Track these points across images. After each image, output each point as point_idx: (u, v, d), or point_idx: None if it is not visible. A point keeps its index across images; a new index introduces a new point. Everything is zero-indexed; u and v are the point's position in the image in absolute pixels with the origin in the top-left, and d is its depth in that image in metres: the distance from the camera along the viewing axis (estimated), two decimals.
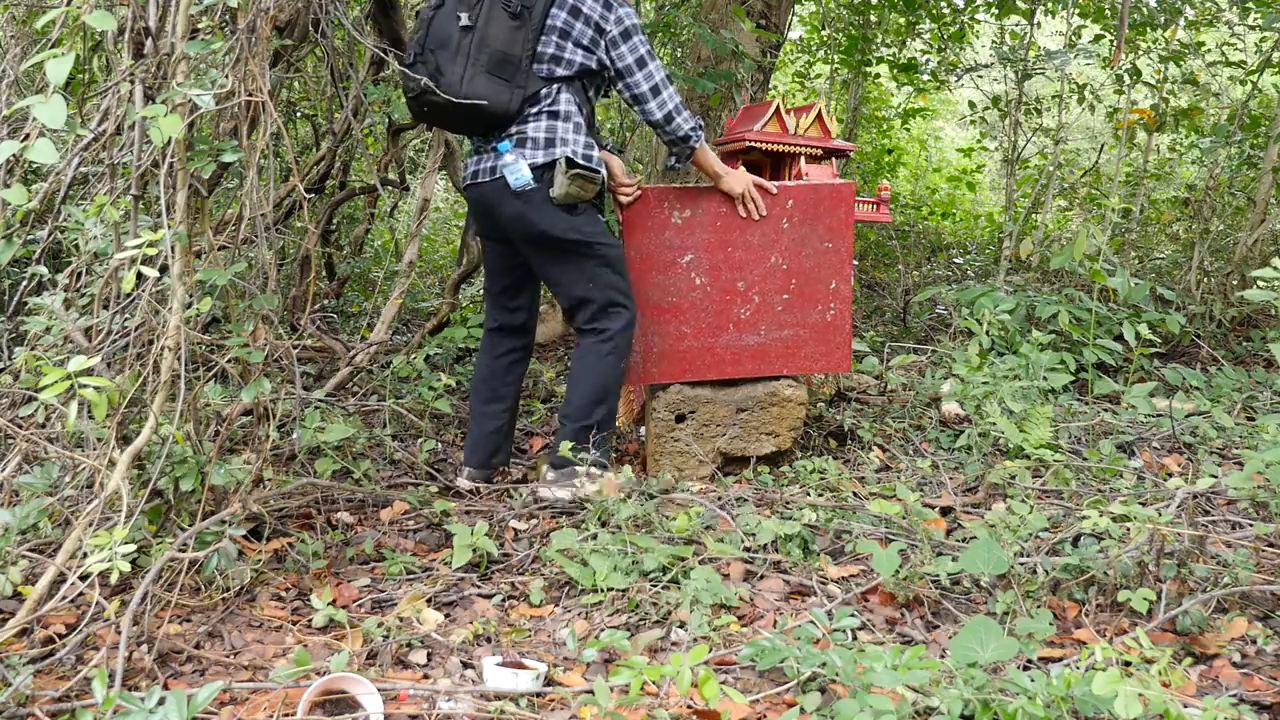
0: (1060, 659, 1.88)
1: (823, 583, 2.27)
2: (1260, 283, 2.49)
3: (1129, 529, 2.19)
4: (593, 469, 2.66)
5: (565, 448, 2.64)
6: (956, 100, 10.77)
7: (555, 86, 2.67)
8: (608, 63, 2.69)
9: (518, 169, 2.63)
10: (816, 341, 3.08)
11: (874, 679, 1.56)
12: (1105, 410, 3.72)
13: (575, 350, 2.87)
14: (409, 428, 3.38)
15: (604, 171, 2.74)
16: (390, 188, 4.58)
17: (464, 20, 2.56)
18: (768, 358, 3.06)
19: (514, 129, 2.66)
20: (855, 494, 2.85)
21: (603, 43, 2.67)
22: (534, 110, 2.66)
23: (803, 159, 3.89)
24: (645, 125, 2.90)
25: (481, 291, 3.06)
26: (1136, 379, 4.10)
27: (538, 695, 1.74)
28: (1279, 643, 1.94)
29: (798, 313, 3.07)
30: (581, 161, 2.65)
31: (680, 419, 3.05)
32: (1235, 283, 5.36)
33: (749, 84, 5.51)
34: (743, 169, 3.61)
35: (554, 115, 2.66)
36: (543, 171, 2.64)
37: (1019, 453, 3.14)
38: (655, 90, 2.70)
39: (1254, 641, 1.95)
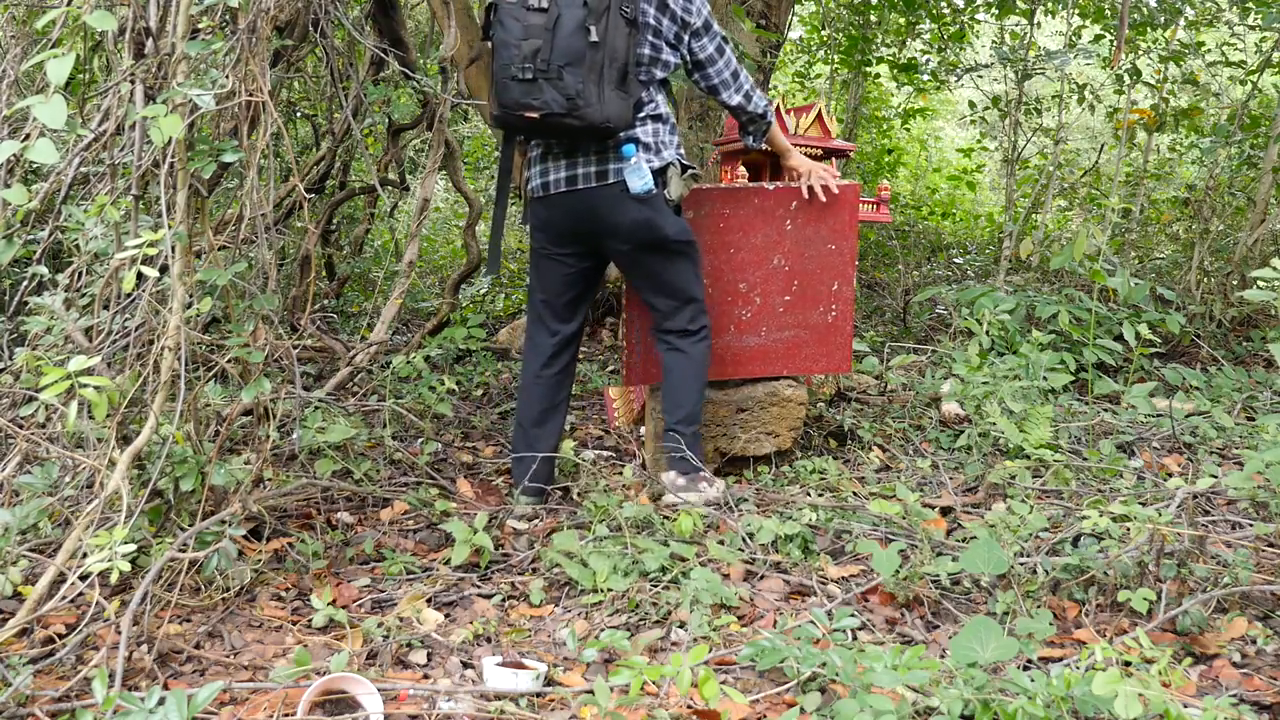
0: (1060, 659, 1.88)
1: (823, 583, 2.27)
2: (1260, 283, 2.49)
3: (1129, 529, 2.19)
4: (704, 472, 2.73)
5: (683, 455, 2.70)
6: (956, 100, 10.78)
7: (653, 89, 2.65)
8: (688, 55, 2.68)
9: (643, 172, 2.55)
10: (817, 343, 3.08)
11: (874, 679, 1.56)
12: (1105, 410, 3.72)
13: (672, 355, 2.79)
14: (409, 428, 3.38)
15: (703, 173, 2.79)
16: (390, 188, 4.58)
17: (594, 35, 2.42)
18: (768, 359, 3.06)
19: (625, 134, 2.58)
20: (855, 494, 2.85)
21: (687, 35, 2.65)
22: (640, 115, 2.61)
23: None
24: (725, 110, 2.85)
25: (533, 305, 2.87)
26: (1136, 379, 4.10)
27: (538, 695, 1.74)
28: (1279, 643, 1.94)
29: (799, 314, 3.07)
30: (688, 164, 2.69)
31: None
32: (1235, 283, 5.36)
33: None
34: (742, 172, 3.62)
35: (657, 119, 2.64)
36: (656, 176, 2.61)
37: (1019, 453, 3.14)
38: (735, 75, 2.73)
39: (1254, 641, 1.95)
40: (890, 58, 7.73)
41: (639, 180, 2.55)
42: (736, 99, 2.75)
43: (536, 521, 2.66)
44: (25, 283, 2.67)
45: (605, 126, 2.46)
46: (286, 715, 1.64)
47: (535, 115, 2.45)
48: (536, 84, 2.43)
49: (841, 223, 3.04)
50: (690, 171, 2.67)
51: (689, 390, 2.77)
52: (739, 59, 2.83)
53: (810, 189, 2.99)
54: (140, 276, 1.94)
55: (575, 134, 2.53)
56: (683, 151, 2.72)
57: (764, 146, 2.96)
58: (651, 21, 2.60)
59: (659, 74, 2.64)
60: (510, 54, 2.44)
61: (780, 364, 3.08)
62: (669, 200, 2.65)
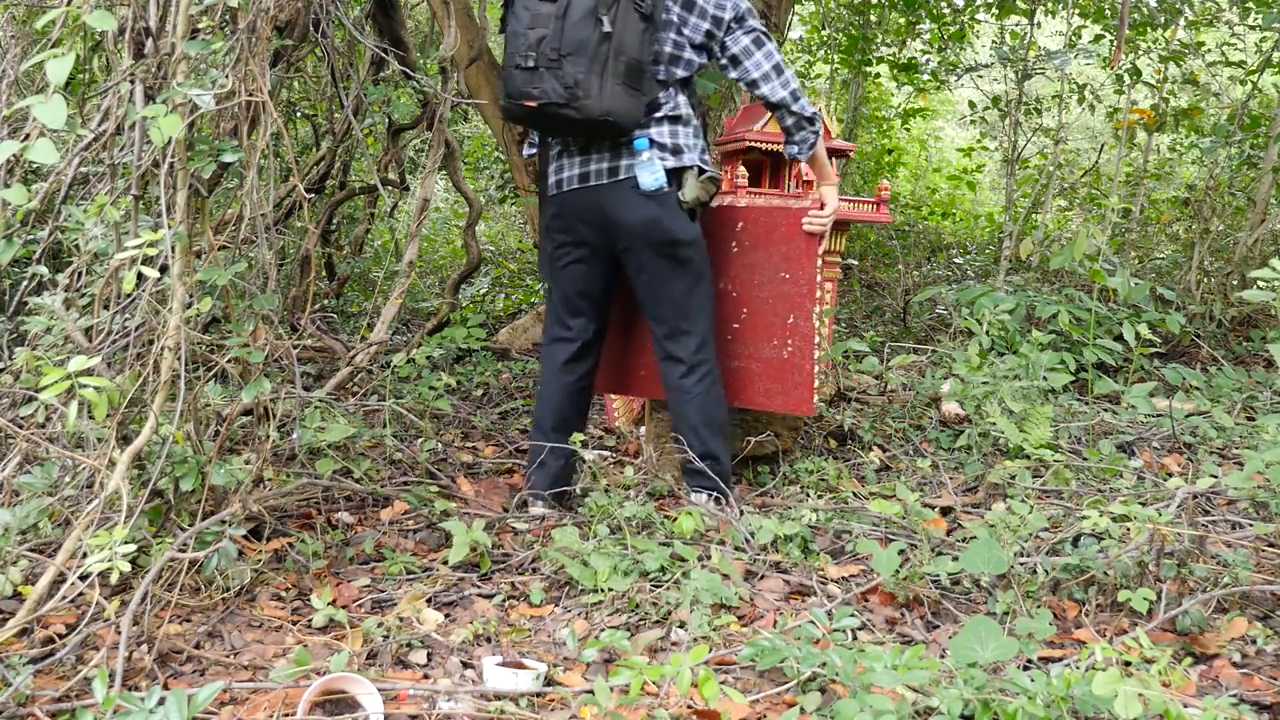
0: (1060, 659, 1.88)
1: (823, 583, 2.27)
2: (1260, 283, 2.49)
3: (1129, 529, 2.19)
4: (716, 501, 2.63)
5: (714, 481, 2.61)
6: (956, 100, 10.77)
7: (672, 90, 2.57)
8: (721, 51, 2.56)
9: (655, 168, 2.49)
10: (771, 377, 2.79)
11: (874, 679, 1.56)
12: (1105, 410, 3.72)
13: (670, 391, 2.69)
14: (409, 428, 3.38)
15: (723, 179, 2.64)
16: (390, 188, 4.58)
17: (605, 26, 2.36)
18: (745, 379, 2.84)
19: (637, 131, 2.52)
20: (855, 494, 2.85)
21: (720, 32, 2.54)
22: (657, 115, 2.54)
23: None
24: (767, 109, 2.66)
25: (550, 306, 2.83)
26: (1136, 379, 4.10)
27: (538, 695, 1.74)
28: (1279, 643, 1.94)
29: (749, 345, 2.83)
30: (709, 169, 2.59)
31: None
32: (1235, 283, 5.36)
33: None
34: (742, 173, 3.62)
35: (675, 120, 2.56)
36: (670, 177, 2.54)
37: (1019, 453, 3.14)
38: (779, 69, 2.55)
39: (1254, 641, 1.95)
40: (890, 58, 7.73)
41: (649, 175, 2.50)
42: (781, 94, 2.55)
43: (537, 522, 2.66)
44: (25, 283, 2.67)
45: (605, 120, 2.40)
46: (286, 715, 1.64)
47: (534, 104, 2.41)
48: (538, 72, 2.39)
49: (796, 251, 2.72)
50: (708, 174, 2.57)
51: (700, 432, 2.65)
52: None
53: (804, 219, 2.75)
54: (140, 276, 1.94)
55: (575, 127, 2.46)
56: (708, 158, 2.63)
57: (804, 160, 2.70)
58: (675, 19, 2.53)
59: (679, 73, 2.57)
60: (518, 43, 2.42)
61: (729, 394, 2.85)
62: (682, 203, 2.56)
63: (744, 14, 2.55)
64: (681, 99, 2.59)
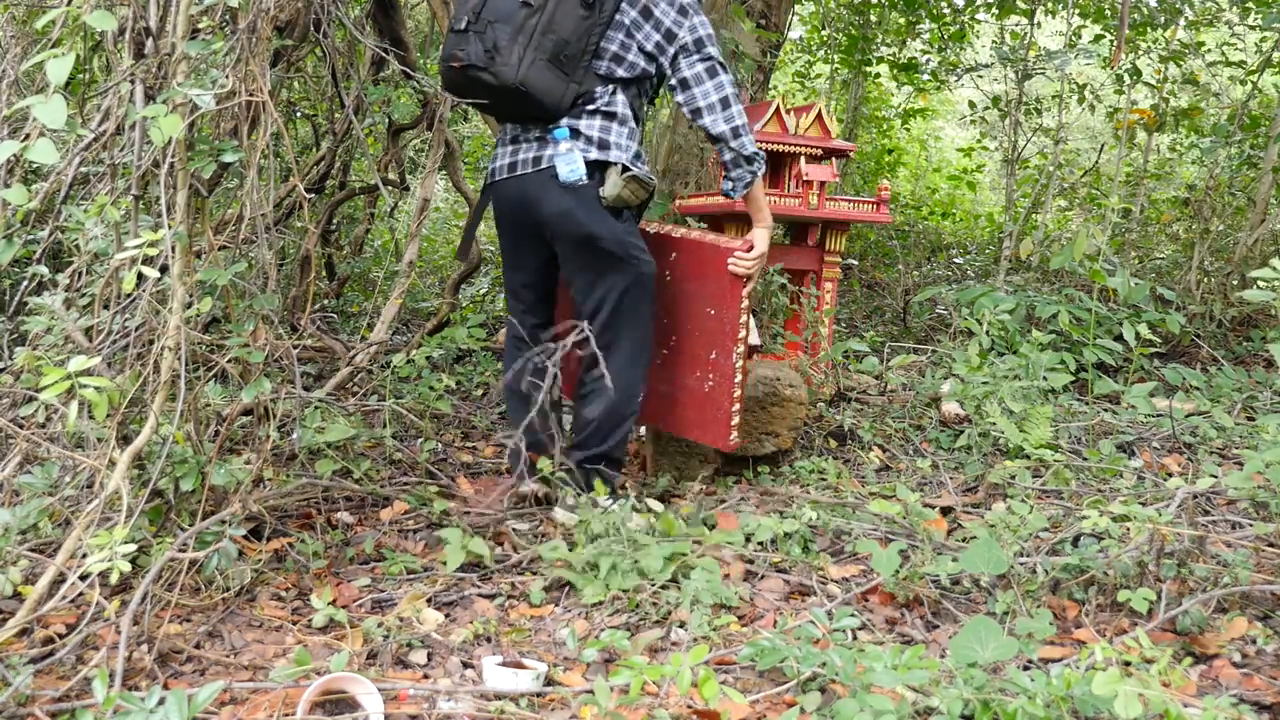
0: (1060, 659, 1.88)
1: (823, 583, 2.27)
2: (1260, 283, 2.49)
3: (1129, 529, 2.19)
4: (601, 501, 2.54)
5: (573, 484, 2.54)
6: (956, 100, 10.78)
7: (611, 87, 2.53)
8: (671, 70, 2.53)
9: (573, 160, 2.45)
10: (694, 408, 2.75)
11: (874, 679, 1.56)
12: (1105, 410, 3.72)
13: (588, 373, 2.61)
14: (409, 428, 3.38)
15: (655, 182, 2.59)
16: (390, 188, 4.58)
17: (533, 1, 2.37)
18: (645, 407, 2.77)
19: (565, 121, 2.49)
20: (855, 494, 2.85)
21: (671, 49, 2.50)
22: (589, 107, 2.50)
23: (803, 159, 3.90)
24: (709, 141, 2.60)
25: (507, 300, 2.84)
26: (1136, 379, 4.10)
27: (538, 695, 1.74)
28: (1279, 643, 1.94)
29: (675, 372, 2.79)
30: (638, 171, 2.53)
31: None
32: (1235, 283, 5.37)
33: (749, 84, 5.51)
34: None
35: (609, 116, 2.51)
36: (593, 169, 2.49)
37: (1019, 453, 3.14)
38: (726, 103, 2.50)
39: (1254, 641, 1.95)
40: (890, 58, 7.73)
41: (566, 166, 2.46)
42: (722, 127, 2.50)
43: (537, 523, 2.66)
44: (25, 283, 2.67)
45: (519, 89, 2.37)
46: (286, 715, 1.64)
47: (458, 65, 2.41)
48: (466, 35, 2.41)
49: (722, 289, 2.64)
50: (633, 174, 2.49)
51: (604, 413, 2.57)
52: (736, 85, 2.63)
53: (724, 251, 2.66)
54: (140, 276, 1.94)
55: (492, 94, 2.42)
56: (643, 165, 2.57)
57: (738, 198, 2.65)
58: (628, 22, 2.50)
59: (620, 73, 2.52)
60: (459, 9, 2.47)
61: (655, 416, 2.85)
62: (603, 199, 2.49)
63: (703, 40, 2.52)
64: (621, 98, 2.54)
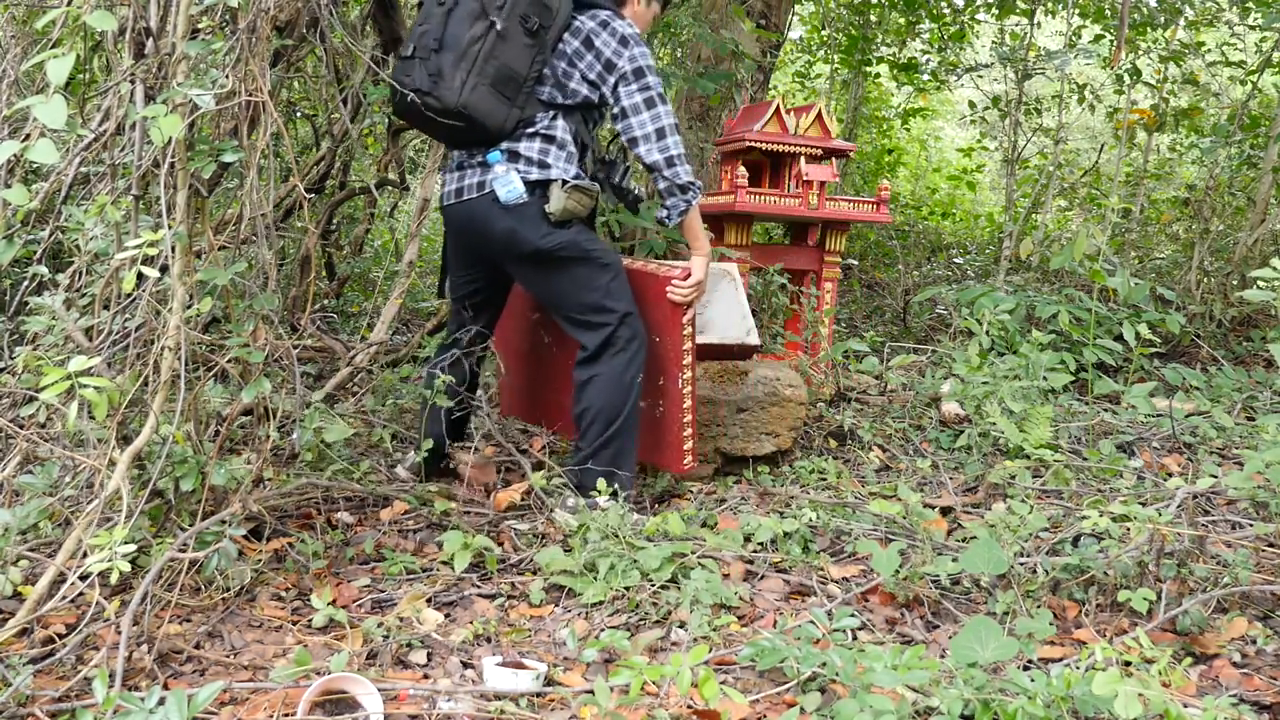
0: (1060, 659, 1.88)
1: (823, 583, 2.27)
2: (1260, 283, 2.49)
3: (1129, 529, 2.19)
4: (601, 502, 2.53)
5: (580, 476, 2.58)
6: (956, 100, 10.78)
7: (552, 113, 2.58)
8: (611, 99, 2.58)
9: (509, 181, 2.51)
10: (646, 431, 2.77)
11: (874, 679, 1.56)
12: (1105, 410, 3.72)
13: (585, 371, 2.62)
14: (410, 427, 3.37)
15: (598, 189, 2.62)
16: (390, 187, 4.58)
17: (476, 30, 2.43)
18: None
19: (505, 144, 2.55)
20: (855, 494, 2.85)
21: (611, 78, 2.56)
22: (529, 130, 2.56)
23: (803, 159, 3.90)
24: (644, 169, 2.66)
25: (450, 306, 2.94)
26: (1136, 379, 4.10)
27: (538, 695, 1.74)
28: (1279, 643, 1.94)
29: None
30: (580, 183, 2.56)
31: None
32: (1235, 283, 5.37)
33: (749, 84, 5.51)
34: (742, 173, 3.61)
35: (548, 139, 2.57)
36: (534, 188, 2.54)
37: (1019, 453, 3.14)
38: (660, 133, 2.56)
39: (1254, 641, 1.95)
40: (890, 58, 7.74)
41: (504, 188, 2.52)
42: (656, 157, 2.55)
43: (538, 524, 2.66)
44: (25, 283, 2.67)
45: (461, 112, 2.43)
46: (286, 715, 1.64)
47: (403, 91, 2.46)
48: (412, 61, 2.47)
49: (663, 316, 2.69)
50: (573, 184, 2.53)
51: (598, 416, 2.59)
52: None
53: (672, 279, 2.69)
54: (140, 276, 1.93)
55: (435, 120, 2.47)
56: (583, 182, 2.59)
57: (672, 225, 2.71)
58: (569, 51, 2.57)
59: (561, 99, 2.58)
60: (410, 38, 2.53)
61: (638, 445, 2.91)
62: (549, 214, 2.53)
63: (643, 69, 2.56)
64: (562, 124, 2.59)
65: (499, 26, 2.44)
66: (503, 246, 2.59)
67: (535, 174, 2.54)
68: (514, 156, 2.55)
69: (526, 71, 2.51)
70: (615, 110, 2.60)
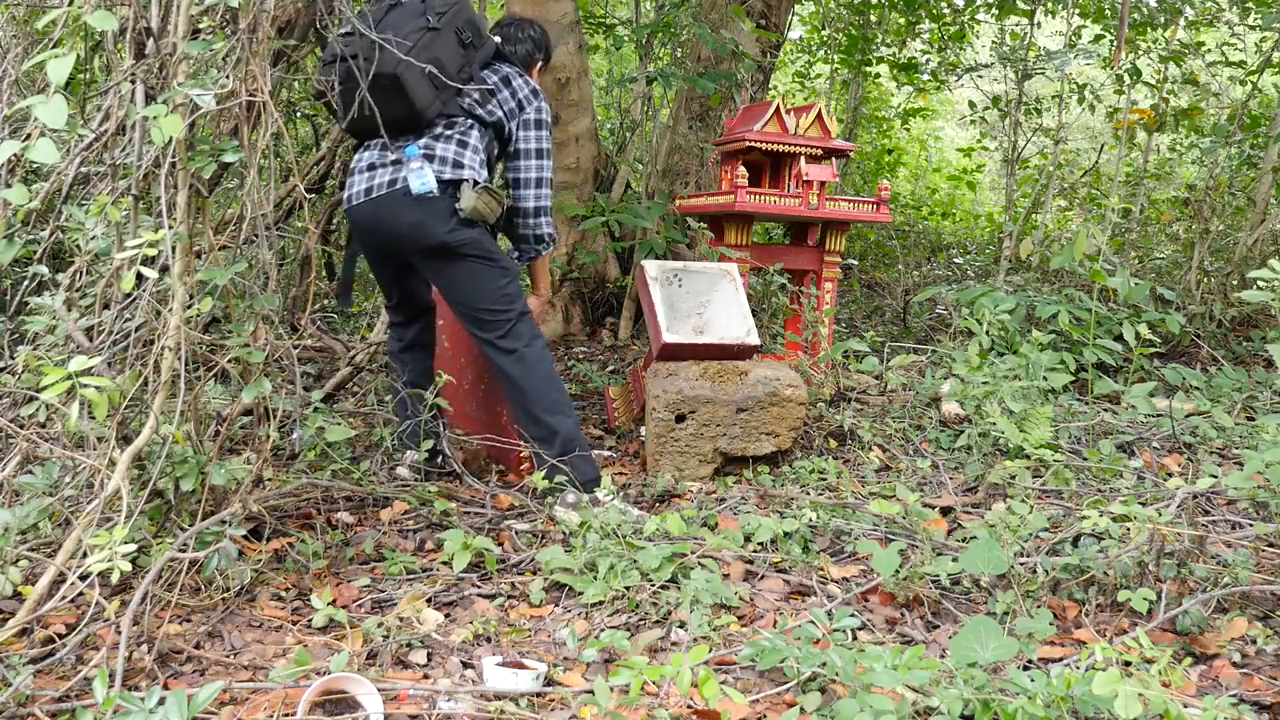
0: (1060, 659, 1.88)
1: (823, 583, 2.27)
2: (1259, 283, 2.49)
3: (1129, 529, 2.19)
4: (573, 490, 2.67)
5: (539, 476, 2.64)
6: (956, 100, 10.78)
7: (470, 122, 2.73)
8: (511, 137, 2.81)
9: (423, 174, 2.60)
10: (502, 435, 3.05)
11: (874, 679, 1.56)
12: (1105, 410, 3.72)
13: (502, 370, 2.76)
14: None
15: (504, 197, 2.76)
16: None
17: (416, 24, 2.56)
18: (506, 434, 3.05)
19: (423, 141, 2.65)
20: (855, 494, 2.85)
21: (518, 119, 2.80)
22: (447, 132, 2.68)
23: (803, 159, 3.90)
24: (518, 209, 2.89)
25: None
26: (1136, 379, 4.10)
27: (538, 695, 1.74)
28: (1279, 643, 1.94)
29: (492, 409, 3.14)
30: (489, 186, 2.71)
31: (680, 419, 3.05)
32: (1235, 283, 5.37)
33: (749, 84, 5.51)
34: (742, 173, 3.61)
35: (464, 145, 2.69)
36: (446, 186, 2.64)
37: (1019, 453, 3.14)
38: (539, 183, 2.84)
39: (1254, 641, 1.95)
40: (890, 58, 7.74)
41: (418, 181, 2.60)
42: (528, 204, 2.84)
43: (537, 523, 2.66)
44: (26, 283, 2.67)
45: (395, 78, 2.49)
46: (286, 715, 1.64)
47: (341, 59, 2.50)
48: (354, 34, 2.53)
49: None
50: (484, 186, 2.67)
51: (534, 414, 2.73)
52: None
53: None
54: (140, 276, 1.94)
55: (372, 90, 2.48)
56: (493, 188, 2.74)
57: (523, 265, 2.96)
58: (491, 81, 2.78)
59: (479, 113, 2.74)
60: (347, 19, 2.59)
61: (492, 450, 3.10)
62: (460, 211, 2.64)
63: (544, 122, 2.84)
64: (477, 134, 2.73)
65: (435, 25, 2.59)
66: (410, 239, 2.67)
67: (449, 173, 2.65)
68: (429, 157, 2.65)
69: (454, 72, 2.64)
70: (511, 149, 2.84)
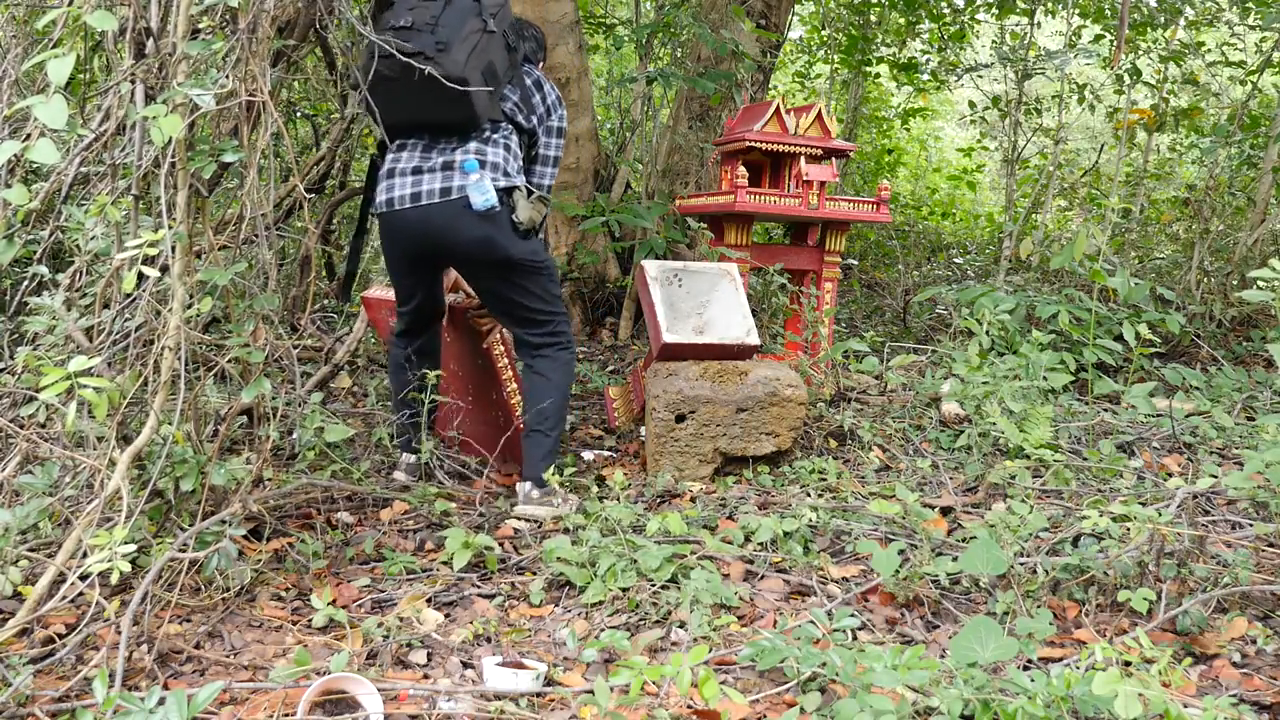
0: (1060, 659, 1.88)
1: (823, 583, 2.27)
2: (1259, 283, 2.49)
3: (1129, 529, 2.19)
4: (561, 486, 2.74)
5: (542, 467, 2.71)
6: (956, 100, 10.78)
7: (509, 127, 2.76)
8: (533, 139, 2.86)
9: (485, 189, 2.60)
10: (494, 435, 3.10)
11: (874, 679, 1.56)
12: (1105, 410, 3.72)
13: (534, 363, 2.83)
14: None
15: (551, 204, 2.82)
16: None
17: (474, 25, 2.57)
18: (483, 441, 3.14)
19: (473, 147, 2.66)
20: (855, 494, 2.85)
21: (544, 124, 2.86)
22: (495, 136, 2.71)
23: (803, 159, 3.90)
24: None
25: (398, 315, 3.06)
26: (1136, 379, 4.10)
27: (538, 695, 1.74)
28: (1279, 643, 1.94)
29: (482, 413, 3.19)
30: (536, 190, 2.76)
31: (680, 419, 3.05)
32: (1235, 283, 5.37)
33: (749, 84, 5.51)
34: (742, 172, 3.60)
35: (508, 150, 2.73)
36: (502, 196, 2.66)
37: (1019, 453, 3.14)
38: (554, 176, 2.96)
39: (1254, 641, 1.95)
40: (890, 58, 7.74)
41: (480, 196, 2.60)
42: (549, 182, 2.94)
43: (537, 523, 2.67)
44: (25, 283, 2.67)
45: (461, 81, 2.49)
46: (286, 715, 1.64)
47: (403, 55, 2.44)
48: (413, 30, 2.52)
49: (476, 344, 3.05)
50: (538, 195, 2.75)
51: (550, 396, 2.80)
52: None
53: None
54: (140, 276, 1.93)
55: (429, 92, 2.48)
56: (542, 194, 2.84)
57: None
58: (528, 83, 2.83)
59: (518, 119, 2.79)
60: (394, 16, 2.57)
61: (490, 447, 3.12)
62: (516, 223, 2.67)
63: (565, 129, 2.93)
64: (516, 140, 2.78)
65: (491, 28, 2.60)
66: (475, 252, 2.68)
67: (503, 181, 2.68)
68: (482, 164, 2.66)
69: (503, 75, 2.69)
70: (532, 152, 2.90)
